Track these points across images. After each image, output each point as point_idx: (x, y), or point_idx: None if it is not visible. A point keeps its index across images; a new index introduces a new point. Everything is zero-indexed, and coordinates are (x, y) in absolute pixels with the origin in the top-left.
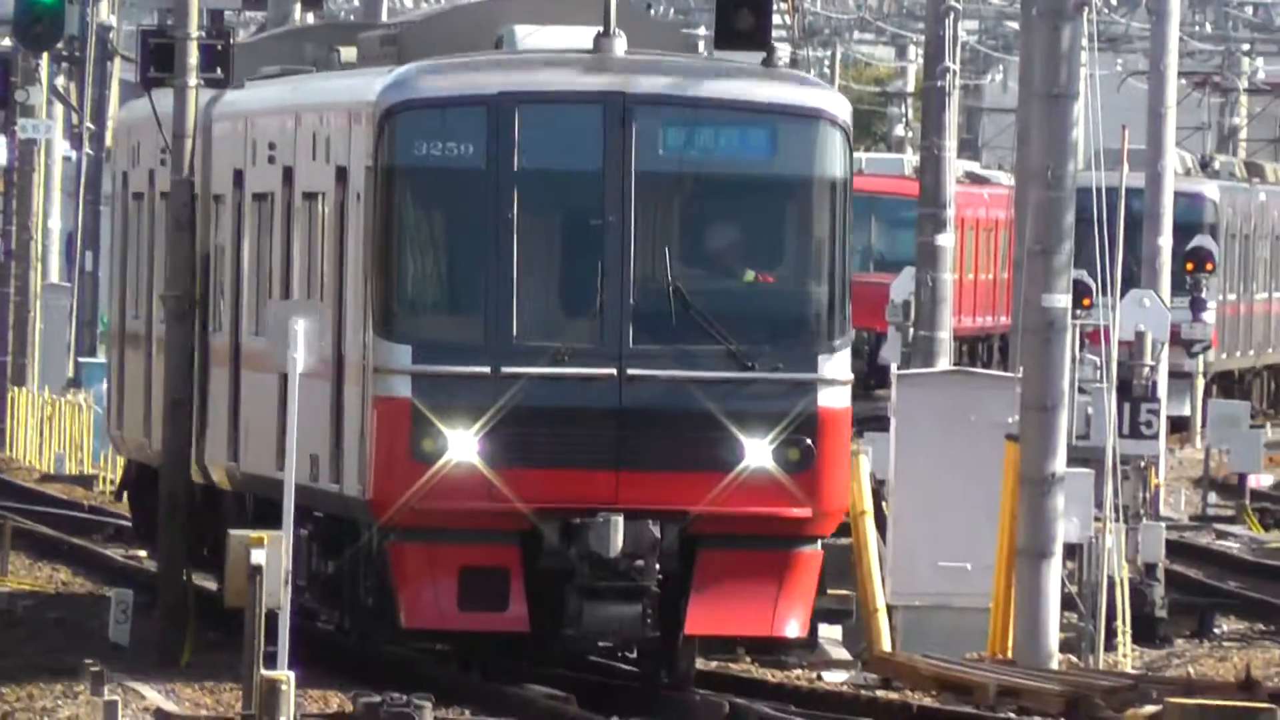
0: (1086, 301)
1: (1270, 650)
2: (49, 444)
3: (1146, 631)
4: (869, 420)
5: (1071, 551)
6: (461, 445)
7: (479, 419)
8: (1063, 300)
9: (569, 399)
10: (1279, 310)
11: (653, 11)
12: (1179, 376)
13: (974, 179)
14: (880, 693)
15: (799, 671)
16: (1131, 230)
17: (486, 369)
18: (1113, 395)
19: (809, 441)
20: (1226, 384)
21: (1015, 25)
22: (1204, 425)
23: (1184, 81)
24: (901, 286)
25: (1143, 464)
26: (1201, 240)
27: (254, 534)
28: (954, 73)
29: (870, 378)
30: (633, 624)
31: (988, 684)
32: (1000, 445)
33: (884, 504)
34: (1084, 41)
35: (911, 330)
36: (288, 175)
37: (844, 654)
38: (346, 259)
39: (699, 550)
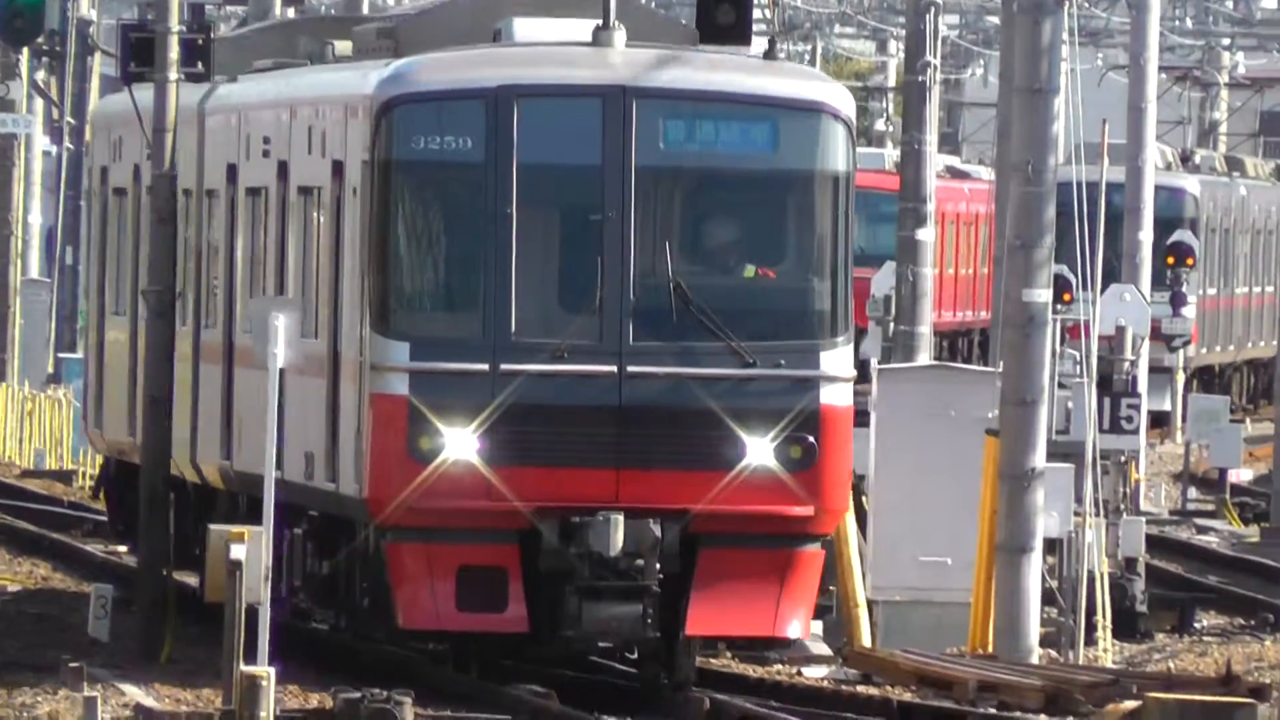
0: (1067, 296)
1: (1250, 645)
2: (29, 439)
3: (1127, 626)
4: None
5: (1052, 546)
6: (460, 443)
7: (477, 417)
8: (1043, 295)
9: (568, 396)
10: (1259, 305)
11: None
12: (1159, 371)
13: (955, 174)
14: (861, 688)
15: (779, 667)
16: (1112, 225)
17: (485, 366)
18: (1093, 390)
19: (811, 439)
20: (1207, 379)
21: (996, 20)
22: (1184, 420)
23: (1164, 76)
24: (882, 281)
25: (1123, 459)
26: (1182, 235)
27: (234, 529)
28: (935, 67)
29: None
30: (633, 624)
31: (968, 679)
32: (980, 440)
33: (863, 499)
34: (1064, 36)
35: (892, 325)
36: (282, 170)
37: (824, 649)
38: (343, 254)
39: (700, 549)
